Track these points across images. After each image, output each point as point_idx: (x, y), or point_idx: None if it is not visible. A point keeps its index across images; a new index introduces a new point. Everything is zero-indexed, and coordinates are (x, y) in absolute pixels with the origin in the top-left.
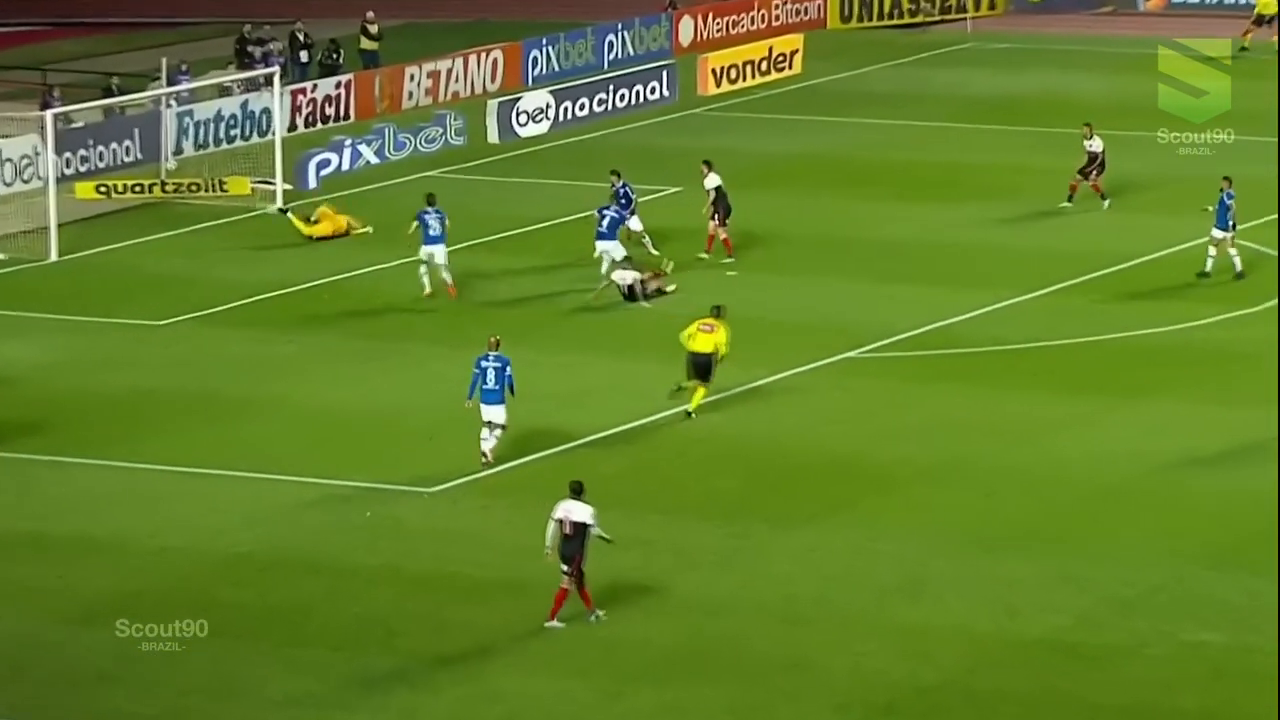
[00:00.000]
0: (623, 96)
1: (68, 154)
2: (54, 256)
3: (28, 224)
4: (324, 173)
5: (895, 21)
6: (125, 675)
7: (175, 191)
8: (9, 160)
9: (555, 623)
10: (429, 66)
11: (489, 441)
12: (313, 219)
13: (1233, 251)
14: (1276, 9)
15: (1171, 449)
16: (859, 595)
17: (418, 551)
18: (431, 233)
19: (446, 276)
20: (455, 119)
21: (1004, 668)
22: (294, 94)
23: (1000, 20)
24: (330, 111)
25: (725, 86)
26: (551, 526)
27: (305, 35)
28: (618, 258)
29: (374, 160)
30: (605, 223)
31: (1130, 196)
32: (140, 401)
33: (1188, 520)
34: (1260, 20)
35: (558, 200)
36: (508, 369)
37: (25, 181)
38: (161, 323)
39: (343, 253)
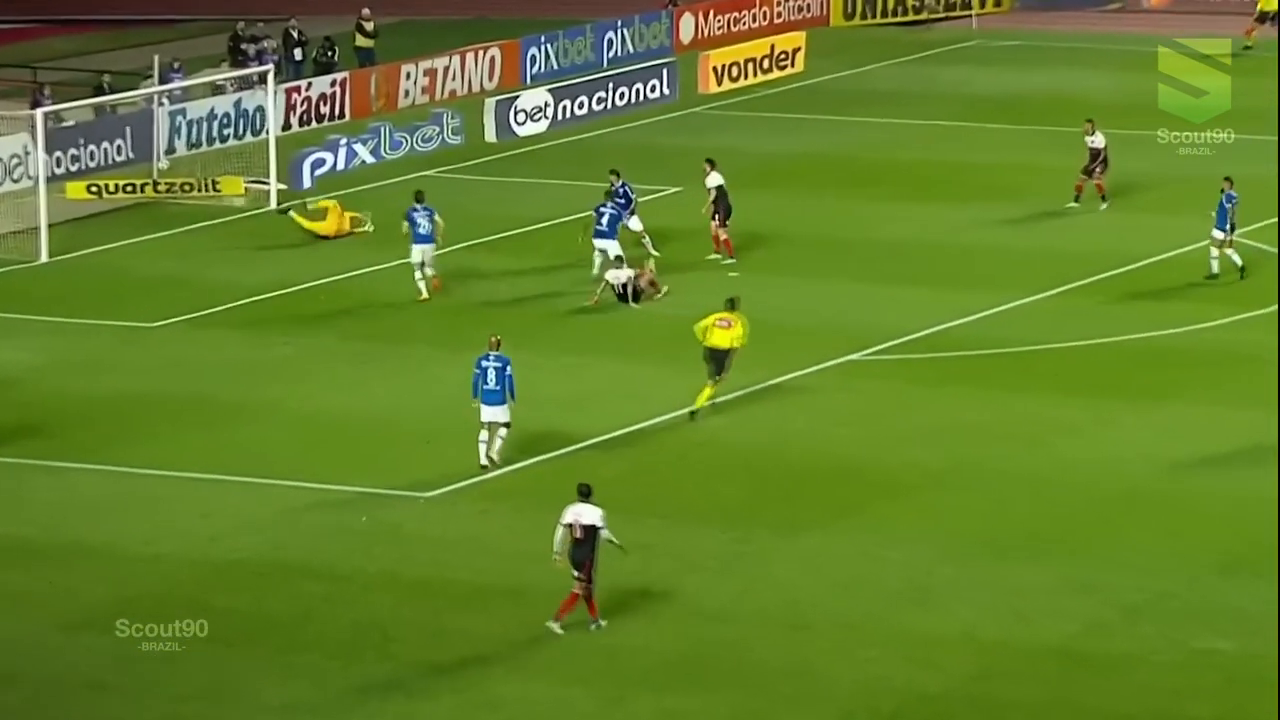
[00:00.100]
0: (622, 95)
1: (58, 153)
2: (44, 257)
3: (17, 224)
4: (319, 172)
5: (899, 19)
6: (119, 682)
7: (168, 191)
8: None
9: (556, 626)
10: (426, 64)
11: (494, 444)
12: (310, 206)
13: (1230, 252)
14: (1277, 6)
15: (1182, 452)
16: (864, 601)
17: (415, 557)
18: (420, 231)
19: (429, 271)
20: (452, 118)
21: (1012, 675)
22: (288, 92)
23: (1006, 17)
24: (325, 110)
25: (726, 85)
26: (560, 531)
27: (300, 33)
28: (612, 255)
29: (369, 160)
30: (605, 220)
31: (1136, 196)
32: (133, 405)
33: (1199, 525)
34: (1263, 18)
35: (556, 200)
36: (508, 369)
37: (15, 181)
38: (154, 325)
39: (339, 253)
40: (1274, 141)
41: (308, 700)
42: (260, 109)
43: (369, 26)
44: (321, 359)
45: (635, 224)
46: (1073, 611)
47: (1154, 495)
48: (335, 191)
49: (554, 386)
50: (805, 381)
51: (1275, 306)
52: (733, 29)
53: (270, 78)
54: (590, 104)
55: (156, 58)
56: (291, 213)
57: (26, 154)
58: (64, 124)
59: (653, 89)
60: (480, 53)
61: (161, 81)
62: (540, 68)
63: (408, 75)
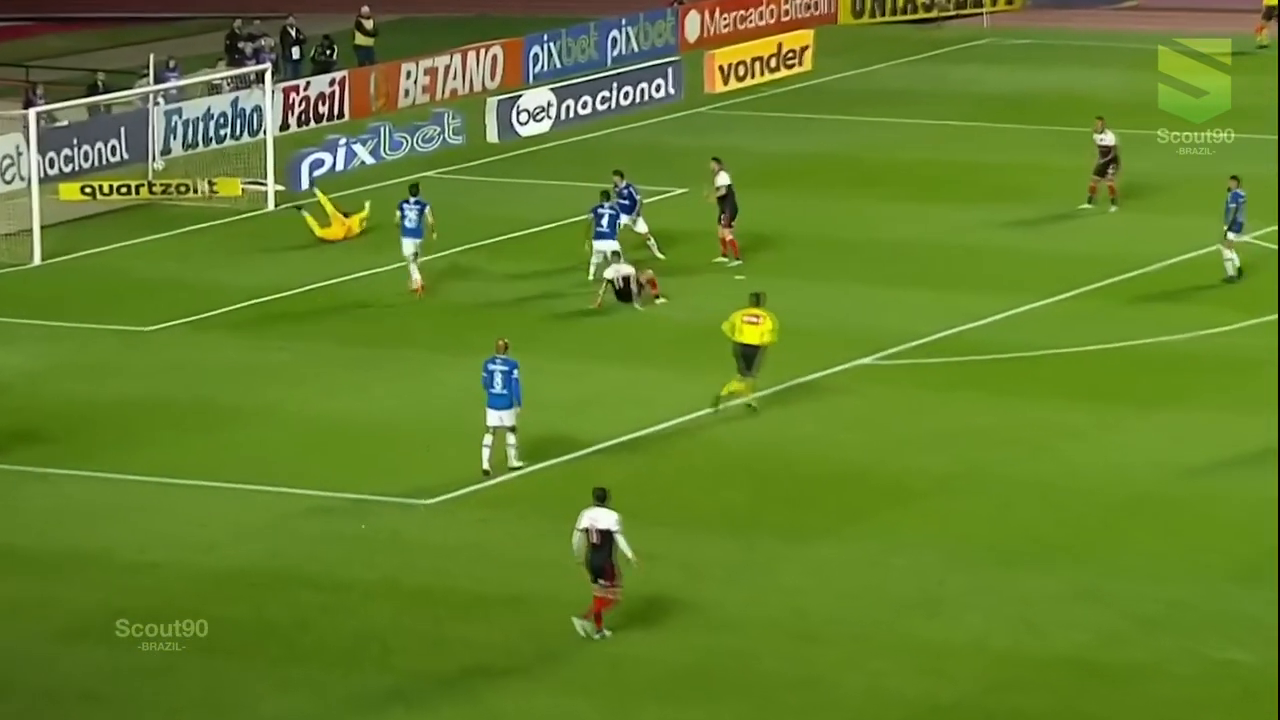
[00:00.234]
0: (627, 94)
1: (51, 154)
2: (38, 260)
3: (10, 227)
4: (317, 173)
5: (909, 17)
6: (113, 693)
7: (163, 192)
8: None
9: (604, 632)
10: (426, 63)
11: (508, 452)
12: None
13: (1228, 252)
14: (1277, 4)
15: (1196, 458)
16: (873, 610)
17: (415, 565)
18: (408, 224)
19: (413, 270)
20: (453, 117)
21: (1023, 687)
22: (286, 92)
23: (1018, 15)
24: (324, 110)
25: (733, 84)
26: (577, 537)
27: (298, 31)
28: (610, 254)
29: (369, 160)
30: (605, 220)
31: (1145, 198)
32: (129, 410)
33: (1214, 533)
34: (1270, 14)
35: (559, 201)
36: (515, 372)
37: (7, 182)
38: (150, 328)
39: (339, 256)
40: (1274, 141)
41: (306, 712)
42: (258, 109)
43: (368, 24)
44: (320, 363)
45: (641, 226)
46: (1085, 621)
47: (1164, 502)
48: (335, 193)
49: (557, 391)
50: (811, 386)
51: None
52: (739, 27)
53: (268, 77)
54: (594, 103)
55: (152, 56)
56: (304, 212)
57: (19, 154)
58: (57, 124)
59: (658, 88)
60: (482, 51)
61: (157, 80)
62: (543, 66)
63: (408, 74)
